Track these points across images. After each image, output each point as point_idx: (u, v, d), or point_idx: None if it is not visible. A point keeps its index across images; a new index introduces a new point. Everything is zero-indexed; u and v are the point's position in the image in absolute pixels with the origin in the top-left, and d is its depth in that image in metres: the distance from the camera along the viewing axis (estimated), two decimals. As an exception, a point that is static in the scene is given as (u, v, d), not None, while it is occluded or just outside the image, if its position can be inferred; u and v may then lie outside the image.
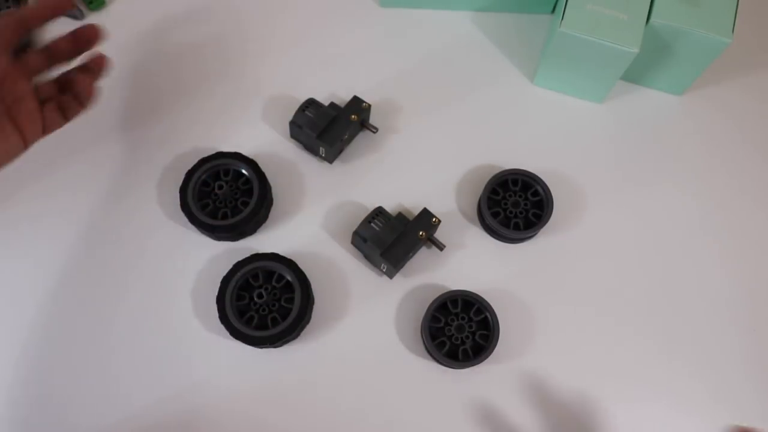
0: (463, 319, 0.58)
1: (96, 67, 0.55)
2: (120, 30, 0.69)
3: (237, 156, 0.61)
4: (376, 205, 0.61)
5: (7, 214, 0.62)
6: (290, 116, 0.62)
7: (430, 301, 0.58)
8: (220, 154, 0.61)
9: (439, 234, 0.61)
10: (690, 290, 0.62)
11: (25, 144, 0.51)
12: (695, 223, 0.64)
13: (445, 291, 0.59)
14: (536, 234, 0.63)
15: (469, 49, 0.69)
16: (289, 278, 0.58)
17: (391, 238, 0.59)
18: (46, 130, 0.53)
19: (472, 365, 0.57)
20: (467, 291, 0.58)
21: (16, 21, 0.50)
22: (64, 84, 0.54)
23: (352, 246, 0.62)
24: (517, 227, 0.61)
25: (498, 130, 0.67)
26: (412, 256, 0.61)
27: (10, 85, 0.50)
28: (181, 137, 0.65)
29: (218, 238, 0.62)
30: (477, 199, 0.63)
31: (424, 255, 0.62)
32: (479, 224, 0.63)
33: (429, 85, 0.68)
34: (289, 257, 0.58)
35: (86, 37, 0.53)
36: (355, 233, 0.59)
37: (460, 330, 0.58)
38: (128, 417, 0.57)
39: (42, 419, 0.57)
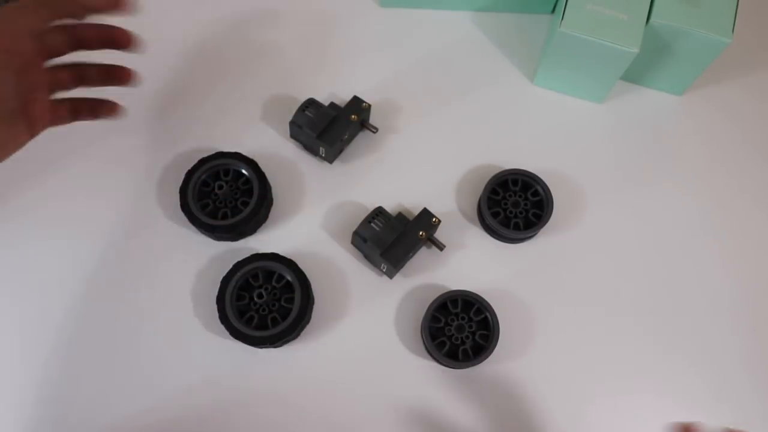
0: (463, 319, 0.58)
1: (120, 77, 0.54)
2: (120, 30, 0.69)
3: (237, 156, 0.61)
4: (376, 205, 0.61)
5: (6, 213, 0.62)
6: (290, 116, 0.62)
7: (430, 301, 0.58)
8: (220, 154, 0.61)
9: (439, 234, 0.61)
10: (690, 290, 0.62)
11: (32, 134, 0.50)
12: (695, 223, 0.64)
13: (445, 291, 0.59)
14: (536, 234, 0.63)
15: (469, 49, 0.69)
16: (289, 278, 0.58)
17: (391, 238, 0.59)
18: (53, 122, 0.52)
19: (472, 365, 0.57)
20: (467, 291, 0.58)
21: (54, 9, 0.49)
22: (83, 79, 0.54)
23: (352, 246, 0.62)
24: (517, 227, 0.61)
25: (498, 130, 0.67)
26: (412, 256, 0.61)
27: (32, 73, 0.49)
28: (181, 137, 0.65)
29: (218, 238, 0.62)
30: (477, 199, 0.63)
31: (424, 255, 0.62)
32: (479, 224, 0.63)
33: (429, 85, 0.68)
34: (289, 257, 0.58)
35: (120, 40, 0.53)
36: (355, 233, 0.59)
37: (460, 330, 0.58)
38: (128, 417, 0.57)
39: (41, 419, 0.57)
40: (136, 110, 0.65)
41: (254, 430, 0.58)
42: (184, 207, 0.59)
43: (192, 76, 0.67)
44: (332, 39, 0.69)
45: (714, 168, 0.66)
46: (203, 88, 0.67)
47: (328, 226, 0.63)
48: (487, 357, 0.57)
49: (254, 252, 0.59)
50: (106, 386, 0.58)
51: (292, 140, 0.65)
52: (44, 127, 0.52)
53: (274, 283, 0.58)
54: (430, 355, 0.58)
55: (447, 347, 0.57)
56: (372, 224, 0.59)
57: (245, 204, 0.60)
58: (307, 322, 0.59)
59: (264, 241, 0.62)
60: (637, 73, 0.67)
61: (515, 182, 0.62)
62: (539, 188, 0.61)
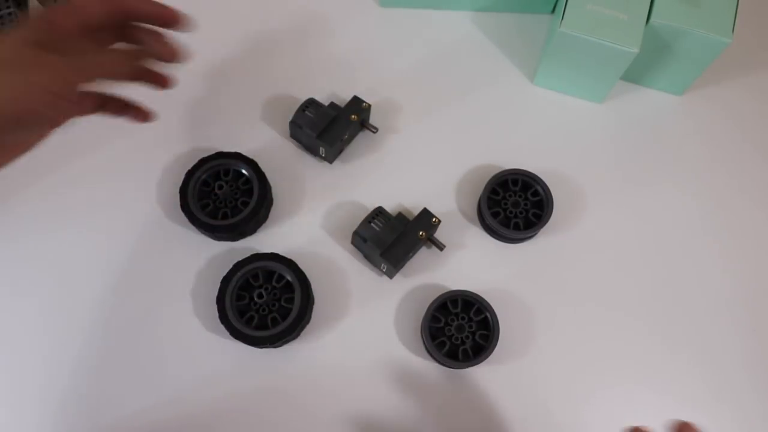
0: (463, 319, 0.58)
1: (157, 82, 0.51)
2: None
3: (237, 156, 0.61)
4: (376, 205, 0.61)
5: (6, 213, 0.62)
6: (290, 116, 0.62)
7: (430, 301, 0.58)
8: (220, 154, 0.61)
9: (439, 234, 0.61)
10: (690, 290, 0.62)
11: (55, 125, 0.47)
12: (695, 223, 0.64)
13: (445, 291, 0.59)
14: (536, 234, 0.63)
15: (469, 49, 0.69)
16: (289, 278, 0.58)
17: (391, 238, 0.59)
18: (78, 113, 0.49)
19: (472, 365, 0.57)
20: (467, 291, 0.58)
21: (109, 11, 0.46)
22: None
23: (352, 246, 0.62)
24: (517, 227, 0.61)
25: (498, 130, 0.67)
26: (412, 256, 0.61)
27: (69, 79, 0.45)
28: (181, 137, 0.65)
29: (218, 238, 0.62)
30: (477, 199, 0.63)
31: (424, 255, 0.62)
32: (479, 224, 0.63)
33: (429, 85, 0.68)
34: (289, 257, 0.58)
35: (169, 20, 0.49)
36: (355, 233, 0.59)
37: (460, 330, 0.58)
38: (128, 416, 0.57)
39: (40, 419, 0.57)
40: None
41: (254, 430, 0.58)
42: (184, 207, 0.59)
43: (191, 76, 0.67)
44: (332, 39, 0.69)
45: (714, 168, 0.66)
46: (203, 88, 0.67)
47: (328, 226, 0.63)
48: (487, 357, 0.57)
49: (254, 252, 0.59)
50: (106, 386, 0.58)
51: (292, 140, 0.65)
52: (68, 118, 0.48)
53: (274, 283, 0.58)
54: (430, 355, 0.58)
55: (447, 347, 0.57)
56: (372, 224, 0.59)
57: (245, 204, 0.60)
58: (307, 322, 0.59)
59: (264, 241, 0.62)
60: (637, 73, 0.67)
61: (515, 182, 0.62)
62: (539, 188, 0.61)
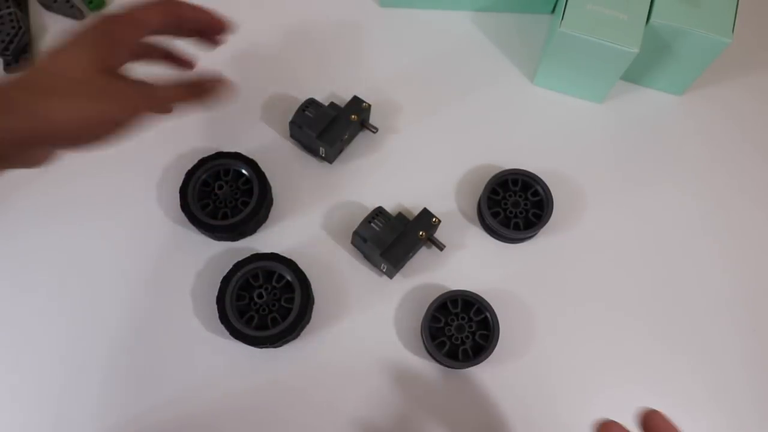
0: (463, 319, 0.58)
1: (201, 89, 0.51)
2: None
3: (237, 156, 0.61)
4: (376, 205, 0.61)
5: (4, 211, 0.62)
6: (290, 116, 0.62)
7: (430, 301, 0.58)
8: (220, 154, 0.61)
9: (439, 234, 0.61)
10: (690, 290, 0.62)
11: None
12: (695, 223, 0.64)
13: (445, 291, 0.59)
14: (536, 234, 0.63)
15: (469, 49, 0.69)
16: (289, 278, 0.58)
17: (391, 238, 0.59)
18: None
19: (472, 365, 0.57)
20: (467, 291, 0.58)
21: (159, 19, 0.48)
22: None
23: (352, 246, 0.62)
24: (517, 227, 0.61)
25: (498, 130, 0.67)
26: (412, 256, 0.61)
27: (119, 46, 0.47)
28: (181, 137, 0.65)
29: (218, 238, 0.62)
30: (477, 199, 0.63)
31: (424, 255, 0.62)
32: (479, 224, 0.63)
33: (429, 84, 0.68)
34: (289, 257, 0.58)
35: (214, 28, 0.52)
36: (355, 233, 0.59)
37: (460, 330, 0.58)
38: (127, 417, 0.57)
39: (40, 419, 0.57)
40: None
41: (254, 430, 0.58)
42: (184, 207, 0.59)
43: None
44: (332, 39, 0.69)
45: (714, 168, 0.66)
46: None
47: (328, 226, 0.63)
48: (487, 357, 0.57)
49: (254, 252, 0.59)
50: (106, 386, 0.58)
51: (292, 140, 0.65)
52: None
53: (274, 283, 0.58)
54: (430, 355, 0.58)
55: (447, 347, 0.57)
56: (372, 224, 0.59)
57: (245, 204, 0.60)
58: (307, 322, 0.59)
59: (264, 241, 0.62)
60: (637, 73, 0.67)
61: (515, 182, 0.62)
62: (539, 188, 0.61)
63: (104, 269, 0.61)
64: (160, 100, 0.47)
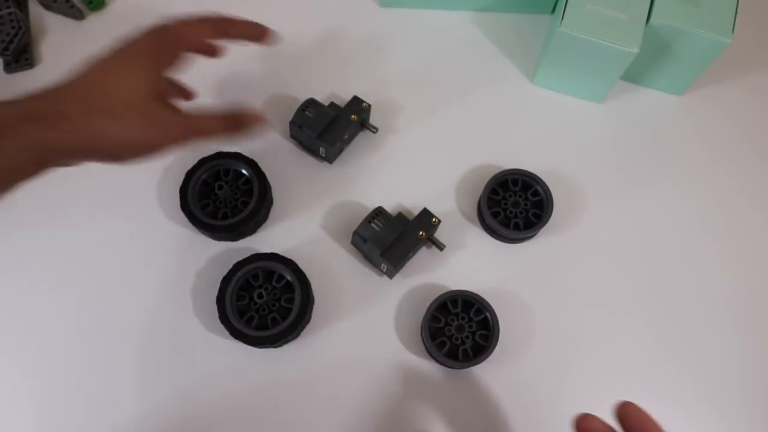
0: (463, 319, 0.58)
1: (251, 123, 0.53)
2: (119, 30, 0.69)
3: (237, 156, 0.61)
4: (376, 205, 0.61)
5: (5, 212, 0.62)
6: (290, 116, 0.62)
7: (430, 301, 0.58)
8: (220, 154, 0.61)
9: (439, 234, 0.61)
10: (690, 290, 0.62)
11: None
12: (695, 223, 0.64)
13: (445, 291, 0.59)
14: (536, 234, 0.63)
15: (469, 49, 0.69)
16: (289, 278, 0.58)
17: (391, 238, 0.59)
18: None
19: (472, 365, 0.57)
20: (467, 291, 0.58)
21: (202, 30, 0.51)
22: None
23: (352, 246, 0.62)
24: (517, 227, 0.61)
25: (498, 130, 0.67)
26: (412, 256, 0.61)
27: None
28: (181, 137, 0.65)
29: (218, 238, 0.62)
30: (477, 199, 0.63)
31: (424, 255, 0.62)
32: (479, 224, 0.63)
33: (429, 85, 0.68)
34: (289, 257, 0.58)
35: (257, 35, 0.54)
36: (355, 233, 0.59)
37: (460, 330, 0.58)
38: (127, 416, 0.57)
39: (38, 419, 0.57)
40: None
41: (254, 430, 0.58)
42: (184, 207, 0.59)
43: (191, 76, 0.67)
44: (332, 39, 0.69)
45: (714, 168, 0.66)
46: (203, 88, 0.67)
47: (328, 226, 0.63)
48: (487, 357, 0.57)
49: (254, 252, 0.59)
50: (105, 387, 0.58)
51: (292, 140, 0.65)
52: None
53: (274, 283, 0.58)
54: (430, 355, 0.58)
55: (447, 347, 0.57)
56: (372, 224, 0.59)
57: (245, 204, 0.60)
58: (307, 322, 0.59)
59: (264, 241, 0.62)
60: (637, 73, 0.67)
61: (515, 182, 0.62)
62: (539, 188, 0.61)
63: (104, 269, 0.61)
64: (201, 133, 0.50)
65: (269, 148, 0.65)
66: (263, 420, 0.58)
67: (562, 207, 0.63)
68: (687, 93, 0.69)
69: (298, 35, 0.69)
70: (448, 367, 0.58)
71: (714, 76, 0.68)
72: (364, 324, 0.60)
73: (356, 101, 0.63)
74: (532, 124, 0.67)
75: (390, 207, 0.62)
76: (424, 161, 0.65)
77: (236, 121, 0.51)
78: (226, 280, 0.57)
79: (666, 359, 0.60)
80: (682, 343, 0.61)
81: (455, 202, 0.64)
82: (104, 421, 0.57)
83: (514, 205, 0.62)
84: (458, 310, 0.58)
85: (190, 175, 0.60)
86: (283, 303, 0.58)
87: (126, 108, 0.46)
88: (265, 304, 0.58)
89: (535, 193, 0.62)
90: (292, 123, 0.63)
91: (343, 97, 0.65)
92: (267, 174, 0.61)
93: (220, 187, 0.61)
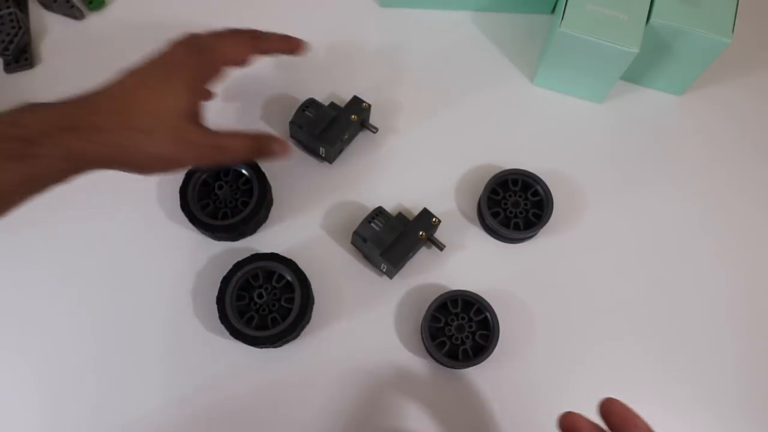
0: (463, 319, 0.58)
1: (273, 149, 0.54)
2: (120, 30, 0.69)
3: (237, 156, 0.61)
4: (376, 205, 0.61)
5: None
6: (290, 116, 0.62)
7: (430, 301, 0.58)
8: (220, 154, 0.61)
9: (439, 234, 0.61)
10: (689, 290, 0.62)
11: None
12: (695, 223, 0.64)
13: (445, 291, 0.59)
14: (536, 234, 0.63)
15: (469, 49, 0.69)
16: (289, 278, 0.58)
17: (391, 238, 0.59)
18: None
19: (472, 365, 0.57)
20: (467, 291, 0.58)
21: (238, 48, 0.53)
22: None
23: (352, 246, 0.62)
24: (517, 227, 0.61)
25: (498, 130, 0.67)
26: (412, 256, 0.61)
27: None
28: (181, 137, 0.65)
29: (218, 238, 0.62)
30: (477, 199, 0.63)
31: (424, 255, 0.62)
32: (479, 224, 0.63)
33: (429, 85, 0.68)
34: (289, 257, 0.58)
35: (293, 47, 0.57)
36: (355, 233, 0.59)
37: (460, 330, 0.58)
38: (127, 417, 0.57)
39: (38, 420, 0.57)
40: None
41: (254, 430, 0.58)
42: (184, 207, 0.59)
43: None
44: (332, 39, 0.69)
45: (714, 168, 0.66)
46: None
47: (328, 226, 0.63)
48: (487, 357, 0.57)
49: (254, 252, 0.59)
50: (105, 387, 0.58)
51: (292, 140, 0.65)
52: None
53: (274, 283, 0.58)
54: (430, 355, 0.58)
55: (447, 347, 0.57)
56: (372, 224, 0.59)
57: (245, 204, 0.60)
58: (307, 322, 0.59)
59: (264, 241, 0.62)
60: (637, 73, 0.67)
61: (515, 182, 0.62)
62: (539, 188, 0.61)
63: (104, 269, 0.61)
64: (227, 155, 0.52)
65: (269, 148, 0.65)
66: (263, 420, 0.58)
67: (562, 207, 0.63)
68: (687, 93, 0.69)
69: (299, 35, 0.69)
70: (448, 367, 0.58)
71: (714, 76, 0.68)
72: (364, 324, 0.60)
73: (356, 101, 0.63)
74: (532, 124, 0.67)
75: (390, 207, 0.62)
76: (424, 161, 0.65)
77: (261, 145, 0.52)
78: (226, 280, 0.57)
79: (665, 359, 0.60)
80: (681, 343, 0.61)
81: (455, 202, 0.64)
82: (104, 421, 0.57)
83: (514, 205, 0.62)
84: (458, 310, 0.58)
85: (190, 175, 0.60)
86: (283, 303, 0.58)
87: (160, 125, 0.47)
88: (265, 304, 0.58)
89: (535, 193, 0.62)
90: (292, 123, 0.63)
91: (343, 97, 0.65)
92: (267, 174, 0.61)
93: (220, 187, 0.61)
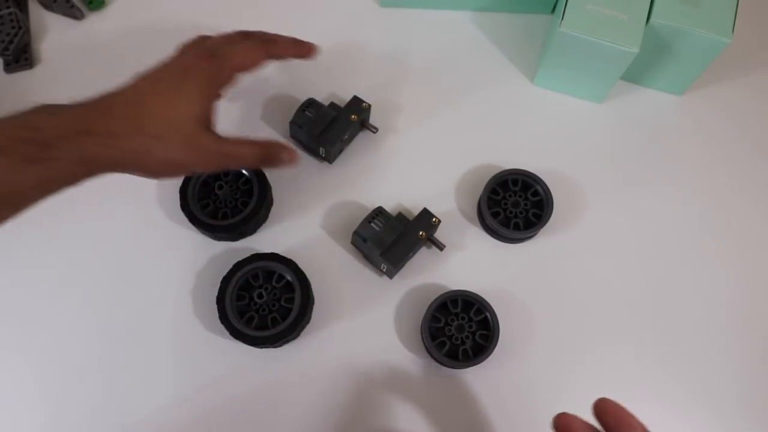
0: (463, 319, 0.58)
1: (281, 158, 0.54)
2: (120, 30, 0.69)
3: (237, 156, 0.61)
4: (376, 205, 0.61)
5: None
6: (290, 116, 0.63)
7: (430, 301, 0.58)
8: (220, 154, 0.61)
9: (439, 234, 0.61)
10: (689, 290, 0.62)
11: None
12: (695, 223, 0.64)
13: (445, 291, 0.59)
14: (536, 234, 0.63)
15: (469, 49, 0.69)
16: (289, 278, 0.58)
17: (391, 238, 0.59)
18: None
19: (472, 365, 0.57)
20: (467, 291, 0.58)
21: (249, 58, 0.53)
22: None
23: (352, 246, 0.62)
24: (517, 227, 0.61)
25: (498, 130, 0.67)
26: (412, 256, 0.61)
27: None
28: (181, 137, 0.65)
29: (218, 238, 0.62)
30: (477, 199, 0.63)
31: (424, 255, 0.62)
32: (479, 224, 0.63)
33: (429, 84, 0.68)
34: (289, 257, 0.58)
35: (304, 52, 0.57)
36: (355, 233, 0.59)
37: (460, 330, 0.58)
38: (126, 417, 0.57)
39: (37, 420, 0.57)
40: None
41: (254, 430, 0.58)
42: (184, 207, 0.59)
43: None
44: (332, 39, 0.69)
45: (714, 168, 0.66)
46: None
47: (328, 226, 0.63)
48: (487, 357, 0.57)
49: (254, 252, 0.59)
50: (105, 388, 0.58)
51: (292, 140, 0.65)
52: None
53: (274, 283, 0.58)
54: (430, 355, 0.58)
55: (447, 347, 0.57)
56: (372, 224, 0.59)
57: (245, 204, 0.60)
58: (307, 322, 0.59)
59: (264, 241, 0.62)
60: (637, 73, 0.67)
61: (515, 182, 0.62)
62: (539, 188, 0.61)
63: (104, 269, 0.61)
64: (236, 162, 0.52)
65: (269, 148, 0.65)
66: (263, 420, 0.58)
67: (562, 207, 0.63)
68: (687, 93, 0.69)
69: (299, 35, 0.69)
70: (448, 367, 0.58)
71: (714, 76, 0.68)
72: (364, 324, 0.60)
73: (356, 101, 0.63)
74: (532, 124, 0.67)
75: (390, 207, 0.62)
76: (424, 161, 0.65)
77: (270, 153, 0.53)
78: (226, 280, 0.57)
79: (665, 359, 0.60)
80: (681, 343, 0.61)
81: (455, 202, 0.64)
82: (103, 421, 0.57)
83: (514, 205, 0.62)
84: (458, 310, 0.58)
85: (190, 175, 0.60)
86: (283, 303, 0.58)
87: (173, 131, 0.47)
88: (265, 304, 0.58)
89: (535, 193, 0.62)
90: (292, 123, 0.63)
91: (343, 97, 0.65)
92: (267, 174, 0.61)
93: (220, 187, 0.61)
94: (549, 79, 0.67)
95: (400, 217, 0.60)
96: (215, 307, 0.57)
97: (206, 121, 0.49)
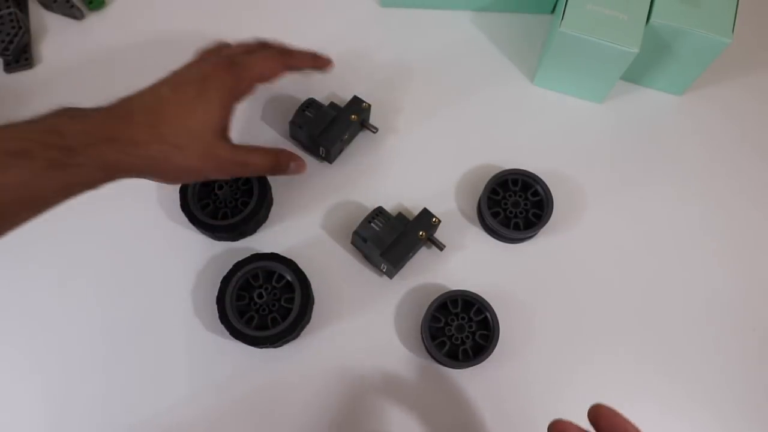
0: (463, 319, 0.58)
1: (290, 166, 0.56)
2: (120, 30, 0.69)
3: (237, 156, 0.61)
4: (376, 205, 0.61)
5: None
6: (290, 116, 0.63)
7: (430, 301, 0.58)
8: (220, 154, 0.61)
9: (439, 234, 0.61)
10: (689, 289, 0.62)
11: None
12: (694, 223, 0.64)
13: (445, 291, 0.59)
14: (536, 234, 0.63)
15: (469, 49, 0.69)
16: (289, 278, 0.58)
17: (391, 238, 0.59)
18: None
19: (472, 365, 0.57)
20: (467, 291, 0.58)
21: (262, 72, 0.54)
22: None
23: (352, 246, 0.62)
24: (517, 227, 0.61)
25: (498, 130, 0.67)
26: (412, 256, 0.61)
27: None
28: (181, 137, 0.65)
29: (218, 238, 0.62)
30: (477, 199, 0.63)
31: (424, 255, 0.62)
32: (479, 224, 0.63)
33: (429, 84, 0.68)
34: (289, 257, 0.58)
35: (320, 64, 0.59)
36: (355, 233, 0.59)
37: (460, 330, 0.58)
38: (126, 417, 0.57)
39: (37, 421, 0.57)
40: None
41: (254, 430, 0.58)
42: (184, 207, 0.59)
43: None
44: (332, 39, 0.69)
45: (713, 168, 0.66)
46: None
47: (328, 226, 0.63)
48: (487, 357, 0.57)
49: (254, 252, 0.59)
50: (105, 387, 0.58)
51: (292, 140, 0.65)
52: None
53: (274, 283, 0.58)
54: (430, 355, 0.58)
55: (447, 347, 0.57)
56: (372, 224, 0.59)
57: (245, 204, 0.60)
58: (307, 322, 0.59)
59: (264, 241, 0.62)
60: (637, 73, 0.67)
61: (515, 182, 0.62)
62: (539, 188, 0.61)
63: (104, 269, 0.61)
64: (249, 170, 0.54)
65: (269, 148, 0.65)
66: (263, 420, 0.58)
67: (562, 207, 0.63)
68: (687, 93, 0.69)
69: (299, 35, 0.69)
70: (448, 367, 0.58)
71: (714, 76, 0.68)
72: (364, 324, 0.60)
73: (356, 101, 0.63)
74: (532, 124, 0.67)
75: (390, 207, 0.62)
76: (424, 161, 0.65)
77: (280, 162, 0.54)
78: (226, 280, 0.57)
79: (665, 359, 0.60)
80: (680, 343, 0.61)
81: (455, 202, 0.64)
82: (103, 421, 0.57)
83: (514, 205, 0.62)
84: (458, 310, 0.58)
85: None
86: (283, 303, 0.58)
87: (192, 140, 0.48)
88: (265, 304, 0.58)
89: (535, 193, 0.62)
90: (292, 123, 0.63)
91: (343, 97, 0.65)
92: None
93: (220, 187, 0.61)
94: (549, 79, 0.67)
95: (400, 217, 0.60)
96: (215, 307, 0.57)
97: (223, 130, 0.50)
